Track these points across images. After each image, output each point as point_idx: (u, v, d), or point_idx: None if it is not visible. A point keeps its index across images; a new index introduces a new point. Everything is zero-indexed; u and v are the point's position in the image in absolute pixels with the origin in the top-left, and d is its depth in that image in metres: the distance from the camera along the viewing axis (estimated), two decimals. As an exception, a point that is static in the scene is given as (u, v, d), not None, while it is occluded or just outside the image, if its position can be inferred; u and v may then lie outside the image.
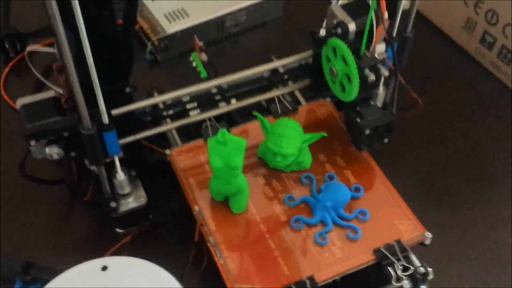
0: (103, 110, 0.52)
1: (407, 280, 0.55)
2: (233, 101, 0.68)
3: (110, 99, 0.53)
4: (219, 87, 0.68)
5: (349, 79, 0.56)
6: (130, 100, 0.57)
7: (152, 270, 0.53)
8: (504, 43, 0.77)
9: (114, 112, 0.56)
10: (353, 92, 0.56)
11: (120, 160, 0.59)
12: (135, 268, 0.53)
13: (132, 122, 0.60)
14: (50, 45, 0.78)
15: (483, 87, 0.80)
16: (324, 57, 0.59)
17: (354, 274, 0.56)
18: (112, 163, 0.58)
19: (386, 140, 0.61)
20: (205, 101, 0.68)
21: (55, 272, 0.54)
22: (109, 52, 0.52)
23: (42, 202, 0.66)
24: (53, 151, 0.54)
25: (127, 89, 0.56)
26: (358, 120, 0.59)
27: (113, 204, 0.60)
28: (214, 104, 0.67)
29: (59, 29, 0.44)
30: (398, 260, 0.55)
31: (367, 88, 0.57)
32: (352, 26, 0.57)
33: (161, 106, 0.66)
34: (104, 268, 0.53)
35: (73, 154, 0.57)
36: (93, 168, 0.59)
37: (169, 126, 0.64)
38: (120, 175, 0.59)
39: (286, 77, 0.70)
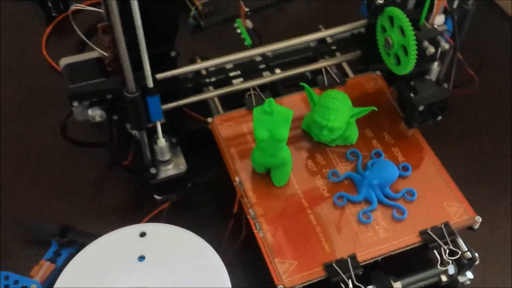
0: (148, 74, 0.50)
1: (453, 264, 0.53)
2: (278, 70, 0.66)
3: (155, 63, 0.51)
4: (263, 55, 0.66)
5: (406, 51, 0.53)
6: (174, 65, 0.56)
7: (190, 238, 0.53)
8: None
9: (159, 76, 0.54)
10: (409, 65, 0.53)
11: (161, 126, 0.57)
12: (173, 236, 0.52)
13: (175, 88, 0.59)
14: (94, 5, 0.76)
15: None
16: (380, 27, 0.56)
17: (396, 256, 0.53)
18: (154, 128, 0.57)
19: (439, 118, 0.58)
20: (249, 69, 0.66)
21: (92, 236, 0.54)
22: (156, 14, 0.50)
23: (81, 166, 0.65)
24: (96, 113, 0.53)
25: (172, 53, 0.54)
26: (412, 95, 0.56)
27: (152, 170, 0.58)
28: (258, 73, 0.65)
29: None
30: (445, 243, 0.53)
31: (424, 62, 0.54)
32: (412, -6, 0.53)
33: (203, 73, 0.64)
34: (143, 235, 0.52)
35: (115, 117, 0.55)
36: (134, 133, 0.57)
37: (211, 93, 0.62)
38: (161, 142, 0.57)
39: (334, 47, 0.67)
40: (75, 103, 0.53)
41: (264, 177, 0.57)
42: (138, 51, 0.48)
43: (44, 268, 0.54)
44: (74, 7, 0.59)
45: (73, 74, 0.54)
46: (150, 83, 0.51)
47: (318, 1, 0.82)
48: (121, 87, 0.51)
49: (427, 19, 0.53)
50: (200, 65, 0.60)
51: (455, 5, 0.56)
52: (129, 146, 0.60)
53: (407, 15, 0.52)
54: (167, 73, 0.55)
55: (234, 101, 0.65)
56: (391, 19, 0.54)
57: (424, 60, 0.53)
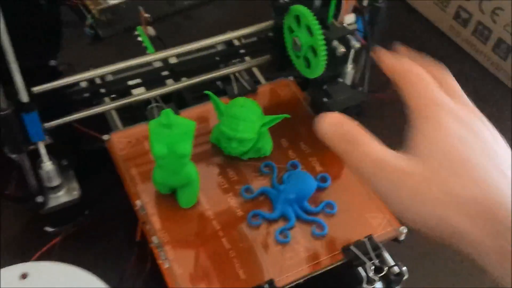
0: (20, 86, 0.43)
1: (380, 281, 0.49)
2: (184, 79, 0.60)
3: (32, 75, 0.44)
4: (166, 61, 0.60)
5: (315, 52, 0.49)
6: (57, 76, 0.48)
7: (82, 279, 0.45)
8: (480, 19, 0.72)
9: (36, 89, 0.47)
10: (319, 67, 0.49)
11: (48, 146, 0.50)
12: (61, 276, 0.45)
13: (63, 101, 0.52)
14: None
15: (460, 67, 0.74)
16: (287, 28, 0.52)
17: (320, 276, 0.49)
18: (38, 150, 0.49)
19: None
20: (151, 78, 0.59)
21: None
22: (28, 18, 0.44)
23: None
24: (-42, 136, 0.45)
25: (52, 63, 0.47)
26: (325, 99, 0.52)
27: (39, 199, 0.51)
28: (161, 82, 0.59)
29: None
30: (370, 259, 0.48)
31: (335, 63, 0.50)
32: (318, -9, 0.49)
33: (98, 82, 0.57)
34: (24, 276, 0.45)
35: (-14, 139, 0.47)
36: (13, 156, 0.49)
37: (106, 106, 0.55)
38: (47, 165, 0.50)
39: (243, 51, 0.62)
40: None
41: (169, 198, 0.51)
42: (6, 61, 0.41)
43: None
44: None
45: None
46: (24, 98, 0.44)
47: (228, 8, 0.77)
48: (-11, 104, 0.43)
49: (335, 17, 0.49)
50: (91, 73, 0.53)
51: (365, 3, 0.53)
52: (11, 170, 0.52)
53: (314, 13, 0.48)
54: (47, 85, 0.47)
55: (137, 115, 0.59)
56: (298, 18, 0.49)
57: (335, 61, 0.49)
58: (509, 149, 0.33)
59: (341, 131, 0.34)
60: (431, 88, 0.33)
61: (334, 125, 0.34)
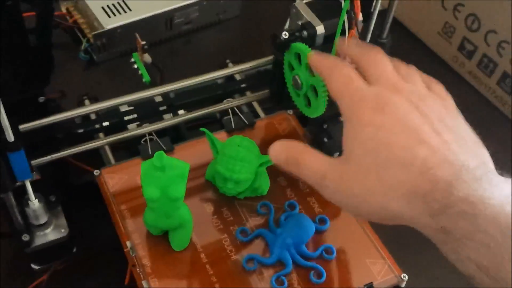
0: (5, 125, 0.41)
1: (379, 332, 0.47)
2: (181, 112, 0.58)
3: (18, 111, 0.42)
4: (164, 95, 0.58)
5: (316, 92, 0.47)
6: (45, 112, 0.46)
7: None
8: (485, 51, 0.70)
9: (24, 126, 0.45)
10: (320, 108, 0.47)
11: (35, 182, 0.48)
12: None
13: (53, 137, 0.50)
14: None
15: (462, 98, 0.72)
16: (287, 65, 0.50)
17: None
18: (24, 187, 0.47)
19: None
20: (147, 111, 0.57)
21: None
22: (14, 52, 0.42)
23: None
24: None
25: (41, 99, 0.45)
26: (326, 140, 0.50)
27: (25, 237, 0.48)
28: (157, 116, 0.57)
29: None
30: (370, 309, 0.46)
31: (336, 103, 0.48)
32: (320, 29, 0.48)
33: (93, 117, 0.55)
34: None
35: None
36: (-1, 194, 0.47)
37: (100, 142, 0.53)
38: (34, 204, 0.47)
39: (243, 85, 0.60)
40: None
41: (162, 240, 0.48)
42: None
43: None
44: None
45: None
46: (10, 137, 0.41)
47: (227, 33, 0.76)
48: (-27, 143, 0.41)
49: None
50: (84, 109, 0.51)
51: (368, 39, 0.51)
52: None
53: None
54: (35, 122, 0.45)
55: (130, 147, 0.57)
56: (299, 56, 0.48)
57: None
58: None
59: (284, 156, 0.36)
60: (350, 81, 0.35)
61: (279, 153, 0.37)
